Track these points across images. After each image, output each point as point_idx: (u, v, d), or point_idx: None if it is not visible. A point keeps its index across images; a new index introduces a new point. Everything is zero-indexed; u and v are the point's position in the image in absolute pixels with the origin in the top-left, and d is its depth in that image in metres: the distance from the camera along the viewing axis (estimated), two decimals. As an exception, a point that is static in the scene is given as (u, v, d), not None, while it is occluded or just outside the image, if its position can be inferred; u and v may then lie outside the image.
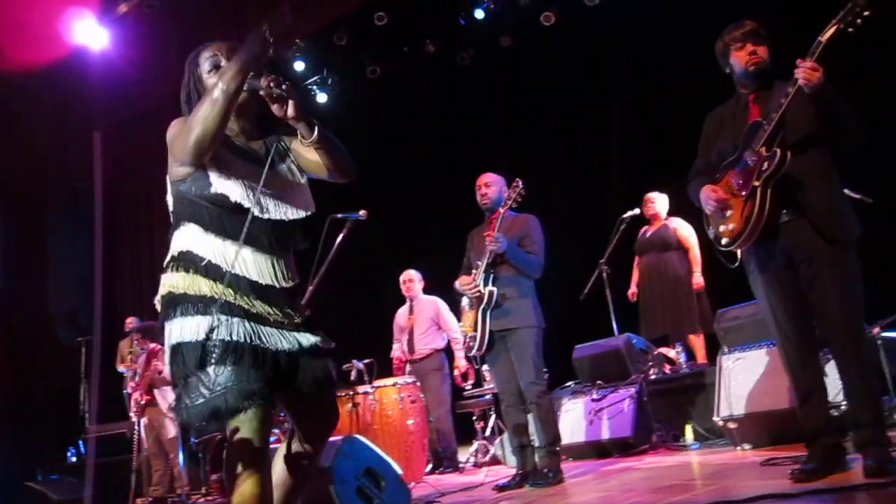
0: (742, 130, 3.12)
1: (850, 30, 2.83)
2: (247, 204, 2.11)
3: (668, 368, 5.84)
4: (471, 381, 6.40)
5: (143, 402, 6.85)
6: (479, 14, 8.33)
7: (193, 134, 2.01)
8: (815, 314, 3.01)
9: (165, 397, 6.72)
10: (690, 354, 6.00)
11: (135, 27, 9.05)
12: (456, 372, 6.25)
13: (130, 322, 8.38)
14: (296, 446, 2.24)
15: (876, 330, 4.32)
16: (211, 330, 2.01)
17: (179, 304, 2.07)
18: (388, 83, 9.29)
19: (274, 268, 2.15)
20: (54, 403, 9.21)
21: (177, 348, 2.04)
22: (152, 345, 7.07)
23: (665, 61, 7.23)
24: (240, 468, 1.96)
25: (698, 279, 6.09)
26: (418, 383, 5.86)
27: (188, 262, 2.12)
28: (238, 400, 1.96)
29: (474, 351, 4.38)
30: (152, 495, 6.65)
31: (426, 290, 6.58)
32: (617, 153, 8.06)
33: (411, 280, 6.51)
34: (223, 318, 2.04)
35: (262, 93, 2.12)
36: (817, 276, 2.94)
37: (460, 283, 4.46)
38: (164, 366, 6.60)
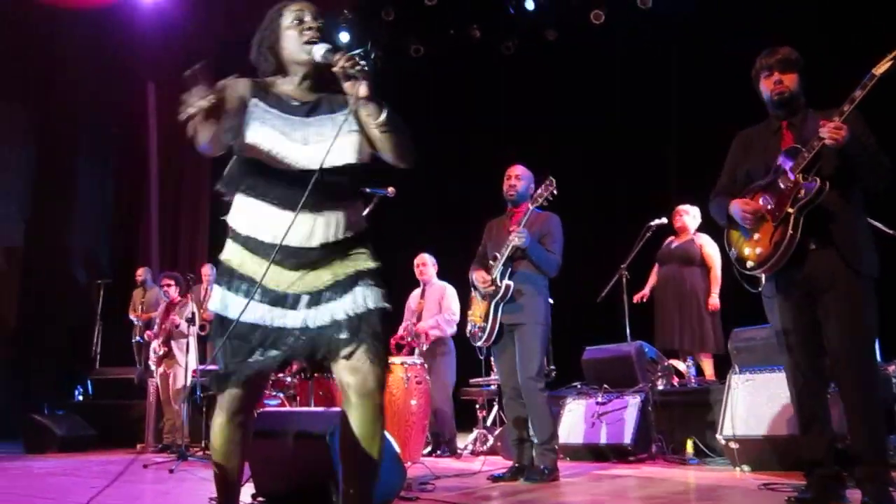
0: (774, 155, 3.11)
1: None
2: (265, 147, 2.16)
3: (676, 381, 5.82)
4: (405, 340, 6.34)
5: (160, 353, 6.96)
6: (530, 5, 8.28)
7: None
8: (826, 343, 3.00)
9: (182, 349, 6.81)
10: (699, 370, 5.96)
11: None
12: (400, 332, 6.29)
13: (140, 273, 8.46)
14: (347, 409, 2.16)
15: (891, 368, 4.29)
16: (223, 303, 2.16)
17: (220, 271, 2.23)
18: (429, 63, 9.28)
19: (292, 225, 2.09)
20: (67, 341, 9.37)
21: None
22: (174, 296, 7.15)
23: (713, 73, 7.15)
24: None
25: (715, 300, 6.02)
26: (426, 365, 5.88)
27: (229, 227, 2.23)
28: (218, 382, 2.14)
29: (481, 342, 4.40)
30: (165, 442, 6.77)
31: (440, 275, 6.57)
32: (653, 160, 7.99)
33: (424, 264, 6.51)
34: (232, 291, 2.16)
35: (335, 69, 2.12)
36: (834, 306, 2.94)
37: (477, 277, 4.45)
38: (180, 319, 6.73)
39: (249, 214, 2.18)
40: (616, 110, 8.41)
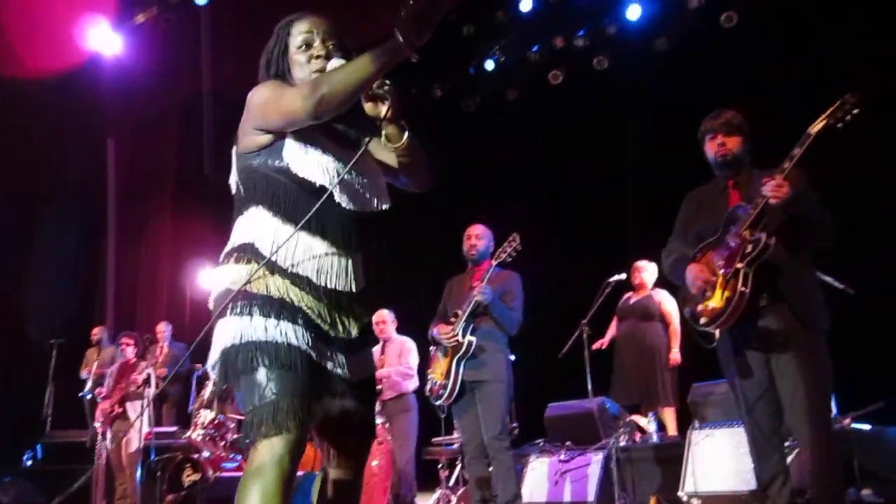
0: (722, 213, 3.20)
1: (839, 125, 2.93)
2: (326, 183, 1.92)
3: (638, 437, 5.81)
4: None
5: (112, 413, 6.76)
6: (490, 65, 8.46)
7: (320, 90, 1.84)
8: (781, 399, 3.03)
9: (136, 410, 6.63)
10: (662, 426, 5.97)
11: (149, 35, 9.16)
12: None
13: (97, 332, 8.30)
14: (335, 473, 2.05)
15: (847, 421, 4.34)
16: (267, 332, 1.83)
17: (240, 300, 1.88)
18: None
19: (347, 269, 1.93)
20: (16, 403, 9.05)
21: (231, 350, 1.85)
22: (130, 356, 6.99)
23: (667, 132, 7.33)
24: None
25: (675, 355, 6.09)
26: (387, 425, 5.80)
27: (251, 253, 1.92)
28: (283, 414, 1.77)
29: (442, 400, 4.37)
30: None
31: (399, 331, 6.54)
32: (610, 217, 8.12)
33: (384, 321, 6.46)
34: (283, 322, 1.85)
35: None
36: (789, 362, 2.98)
37: (439, 330, 4.45)
38: (142, 379, 6.56)
39: (302, 250, 1.92)
40: (574, 167, 8.56)
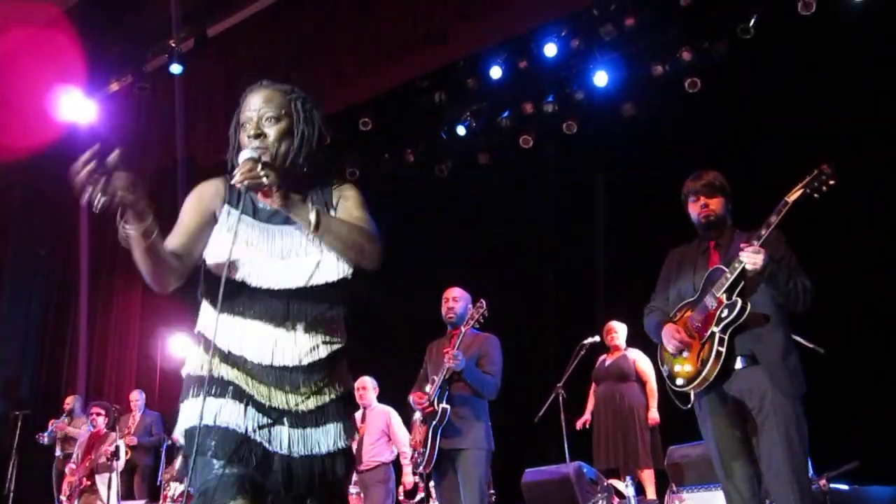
0: (703, 273, 3.24)
1: (815, 195, 3.01)
2: (241, 268, 1.96)
3: (616, 501, 5.73)
4: (419, 497, 6.19)
5: (80, 486, 6.56)
6: (461, 130, 8.59)
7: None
8: (759, 462, 3.02)
9: (105, 482, 6.43)
10: (640, 489, 5.91)
11: (123, 103, 9.21)
12: (401, 488, 6.06)
13: (69, 402, 8.12)
14: None
15: (823, 481, 4.33)
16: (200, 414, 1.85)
17: (188, 384, 1.97)
18: (365, 186, 9.40)
19: (275, 343, 1.93)
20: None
21: (186, 432, 1.93)
22: (100, 426, 6.83)
23: (639, 192, 7.48)
24: None
25: (654, 414, 6.10)
26: (361, 494, 5.68)
27: (200, 338, 2.01)
28: (216, 496, 1.79)
29: (421, 468, 4.29)
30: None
31: (380, 399, 6.46)
32: (581, 280, 8.18)
33: (364, 388, 6.39)
34: (216, 401, 1.89)
35: (239, 186, 1.91)
36: (765, 425, 2.98)
37: (414, 399, 4.40)
38: (111, 450, 6.38)
39: (232, 330, 1.95)
40: (546, 229, 8.64)
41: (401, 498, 6.08)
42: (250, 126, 2.03)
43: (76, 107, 8.76)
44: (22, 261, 10.10)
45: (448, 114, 8.59)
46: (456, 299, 4.57)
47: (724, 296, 3.08)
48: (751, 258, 2.95)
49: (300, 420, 1.94)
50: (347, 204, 2.11)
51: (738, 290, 3.08)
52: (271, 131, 2.02)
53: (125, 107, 9.27)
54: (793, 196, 3.04)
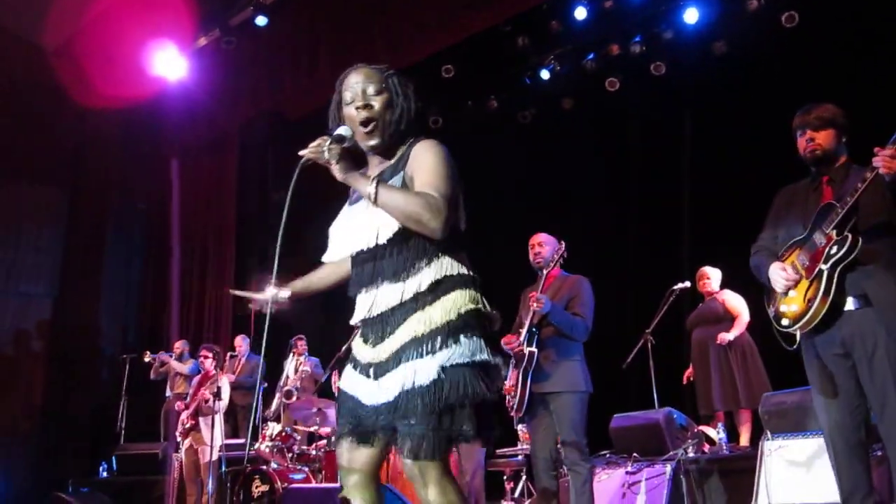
0: (813, 210, 3.09)
1: None
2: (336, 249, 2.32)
3: (707, 448, 5.69)
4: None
5: (188, 426, 6.93)
6: (545, 75, 8.44)
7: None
8: (872, 408, 2.92)
9: (208, 424, 6.78)
10: (733, 435, 5.83)
11: (211, 58, 9.42)
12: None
13: (178, 346, 8.56)
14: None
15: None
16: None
17: None
18: (449, 135, 9.43)
19: (367, 301, 2.18)
20: (92, 417, 9.39)
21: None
22: (209, 368, 7.15)
23: (730, 134, 7.22)
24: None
25: (724, 336, 5.87)
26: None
27: None
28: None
29: (513, 411, 4.34)
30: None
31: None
32: (671, 224, 8.01)
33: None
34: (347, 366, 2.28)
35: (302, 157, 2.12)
36: (878, 369, 2.86)
37: (504, 340, 4.44)
38: (214, 391, 6.70)
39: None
40: (633, 174, 8.47)
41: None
42: (358, 99, 2.18)
43: (169, 62, 9.01)
44: (122, 215, 10.59)
45: (531, 59, 8.45)
46: (542, 244, 4.54)
47: (835, 232, 2.93)
48: (885, 162, 2.72)
49: (379, 369, 2.11)
50: (415, 165, 2.16)
51: (849, 225, 2.92)
52: (376, 102, 2.19)
53: (213, 62, 9.48)
54: None
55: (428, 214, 2.01)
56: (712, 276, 6.27)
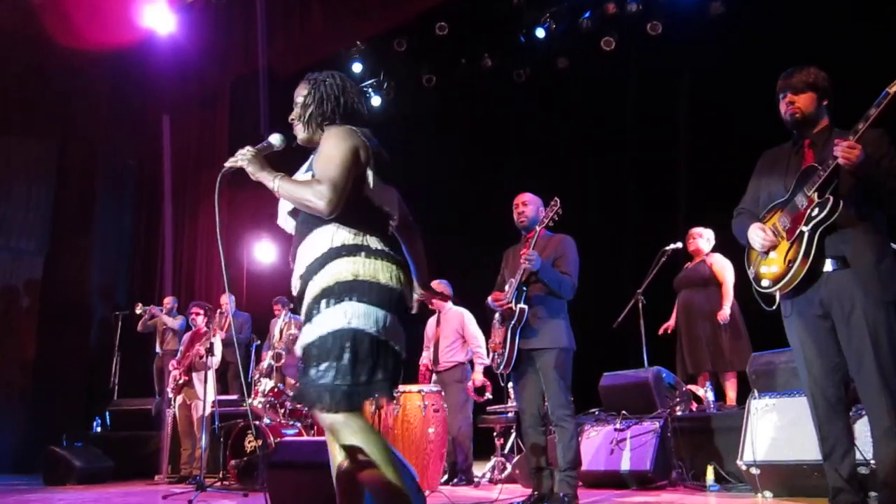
0: (794, 173, 3.11)
1: None
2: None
3: (695, 406, 5.77)
4: (487, 397, 6.32)
5: (180, 381, 6.98)
6: (540, 33, 8.36)
7: None
8: (849, 368, 2.97)
9: (201, 380, 6.83)
10: (720, 394, 5.90)
11: (202, 14, 9.28)
12: (469, 384, 6.19)
13: (167, 302, 8.59)
14: None
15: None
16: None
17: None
18: (442, 93, 9.36)
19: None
20: (85, 373, 9.43)
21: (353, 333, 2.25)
22: (200, 325, 7.17)
23: (726, 96, 7.18)
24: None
25: (723, 313, 5.94)
26: (443, 393, 5.87)
27: None
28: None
29: (501, 368, 4.36)
30: (182, 473, 6.78)
31: (455, 303, 6.57)
32: (666, 183, 8.01)
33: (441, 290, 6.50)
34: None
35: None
36: (855, 330, 2.90)
37: (492, 298, 4.45)
38: (204, 349, 6.74)
39: None
40: (628, 134, 8.44)
41: (470, 395, 6.22)
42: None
43: (158, 16, 8.87)
44: (112, 170, 10.50)
45: (527, 16, 8.37)
46: (525, 203, 4.52)
47: (816, 194, 2.96)
48: (845, 153, 2.81)
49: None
50: (317, 154, 2.40)
51: (830, 188, 2.94)
52: (298, 102, 2.53)
53: (204, 18, 9.34)
54: (894, 87, 2.83)
55: (314, 199, 2.26)
56: (703, 235, 6.27)
